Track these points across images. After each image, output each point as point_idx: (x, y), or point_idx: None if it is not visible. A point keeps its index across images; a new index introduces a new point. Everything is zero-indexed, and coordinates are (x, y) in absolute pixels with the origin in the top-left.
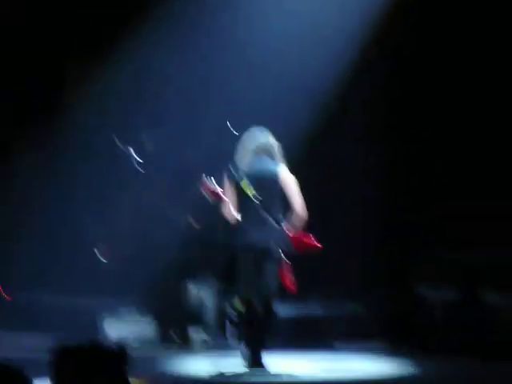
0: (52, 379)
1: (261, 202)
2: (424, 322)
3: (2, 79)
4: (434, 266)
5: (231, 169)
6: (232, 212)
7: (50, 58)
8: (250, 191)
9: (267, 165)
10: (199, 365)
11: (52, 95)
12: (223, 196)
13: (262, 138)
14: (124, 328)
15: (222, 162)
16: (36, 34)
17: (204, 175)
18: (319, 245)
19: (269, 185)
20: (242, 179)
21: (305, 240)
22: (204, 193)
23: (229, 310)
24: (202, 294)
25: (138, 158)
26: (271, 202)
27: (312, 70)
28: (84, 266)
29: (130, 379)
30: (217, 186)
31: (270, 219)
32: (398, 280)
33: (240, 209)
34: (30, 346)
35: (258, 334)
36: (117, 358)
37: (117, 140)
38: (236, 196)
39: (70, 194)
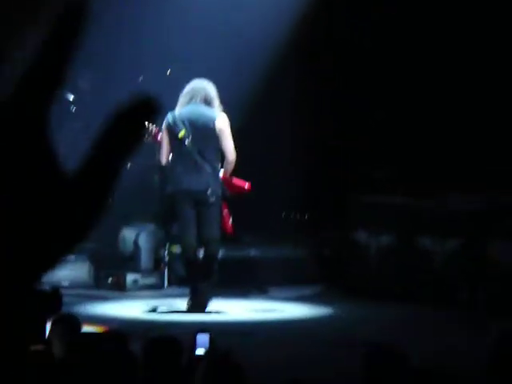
0: None
1: (196, 146)
2: (359, 267)
3: None
4: (371, 211)
5: (168, 114)
6: (164, 156)
7: None
8: (182, 134)
9: (204, 110)
10: (134, 305)
11: None
12: (158, 138)
13: (199, 83)
14: (58, 270)
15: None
16: None
17: None
18: (248, 186)
19: (204, 130)
20: (177, 124)
21: (235, 182)
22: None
23: (167, 253)
24: (138, 238)
25: (70, 99)
26: (206, 146)
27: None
28: None
29: (90, 327)
30: (153, 127)
31: (205, 164)
32: (335, 224)
33: (175, 154)
34: None
35: (201, 277)
36: (50, 299)
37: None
38: (170, 140)
39: None
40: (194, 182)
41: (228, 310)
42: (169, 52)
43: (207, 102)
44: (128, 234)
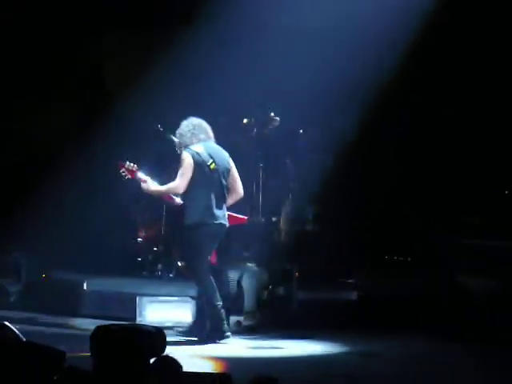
0: (94, 358)
1: (221, 180)
2: (463, 311)
3: None
4: (474, 255)
5: (192, 147)
6: (185, 186)
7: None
8: (214, 166)
9: (220, 148)
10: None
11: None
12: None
13: (201, 121)
14: (162, 310)
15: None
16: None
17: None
18: (246, 219)
19: (224, 167)
20: (206, 156)
21: (235, 215)
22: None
23: (267, 294)
24: (241, 279)
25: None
26: (225, 181)
27: None
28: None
29: None
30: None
31: (225, 198)
32: (439, 268)
33: (205, 186)
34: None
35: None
36: (155, 338)
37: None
38: (199, 172)
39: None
40: (222, 215)
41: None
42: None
43: (211, 139)
44: (231, 276)
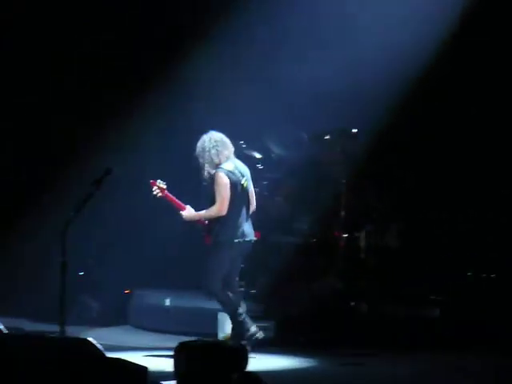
0: (176, 375)
1: (249, 198)
2: None
3: None
4: None
5: (223, 167)
6: (227, 206)
7: None
8: (246, 184)
9: (244, 165)
10: None
11: None
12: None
13: (224, 137)
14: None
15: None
16: None
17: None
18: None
19: (249, 182)
20: (238, 174)
21: None
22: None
23: None
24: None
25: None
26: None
27: None
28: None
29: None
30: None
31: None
32: None
33: (238, 203)
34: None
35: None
36: (237, 355)
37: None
38: (234, 190)
39: None
40: (251, 231)
41: None
42: None
43: (232, 154)
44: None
